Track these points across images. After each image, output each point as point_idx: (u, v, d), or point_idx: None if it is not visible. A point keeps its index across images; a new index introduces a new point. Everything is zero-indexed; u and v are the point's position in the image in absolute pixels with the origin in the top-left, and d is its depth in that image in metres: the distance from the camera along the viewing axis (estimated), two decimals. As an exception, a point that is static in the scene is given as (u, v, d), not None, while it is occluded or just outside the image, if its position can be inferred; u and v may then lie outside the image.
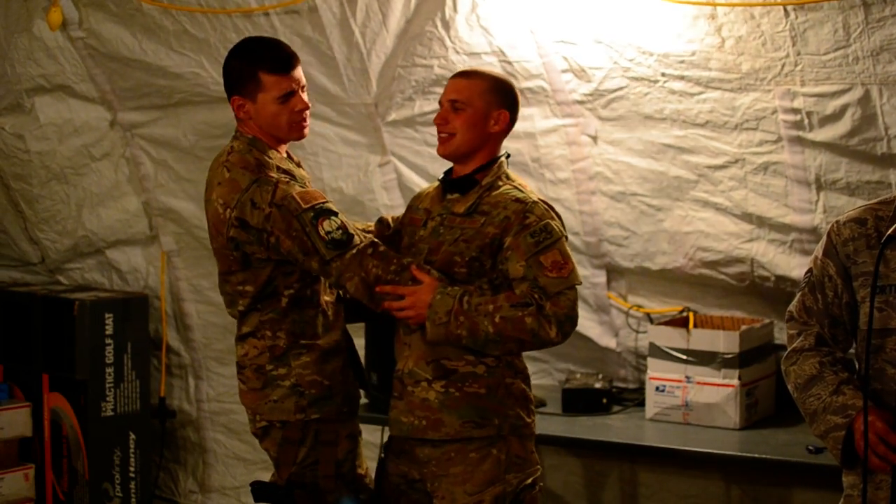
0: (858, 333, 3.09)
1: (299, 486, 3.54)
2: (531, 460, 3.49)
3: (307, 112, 3.58)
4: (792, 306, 3.20)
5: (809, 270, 3.16)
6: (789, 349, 3.17)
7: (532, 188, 3.59)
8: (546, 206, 3.46)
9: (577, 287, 3.40)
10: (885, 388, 2.98)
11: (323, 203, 3.45)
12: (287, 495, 3.52)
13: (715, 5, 4.22)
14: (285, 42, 3.67)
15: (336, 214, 3.44)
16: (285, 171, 3.53)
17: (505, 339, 3.35)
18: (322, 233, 3.41)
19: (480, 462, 3.43)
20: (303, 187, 3.49)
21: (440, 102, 3.54)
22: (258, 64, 3.49)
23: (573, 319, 3.38)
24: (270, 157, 3.54)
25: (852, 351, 3.18)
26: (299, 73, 3.54)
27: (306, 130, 3.61)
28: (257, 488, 3.57)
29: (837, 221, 3.11)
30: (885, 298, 2.97)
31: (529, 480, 3.48)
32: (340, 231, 3.42)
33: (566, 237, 3.46)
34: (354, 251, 3.42)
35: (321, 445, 3.56)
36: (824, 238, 3.13)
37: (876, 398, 2.97)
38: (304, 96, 3.56)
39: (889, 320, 2.96)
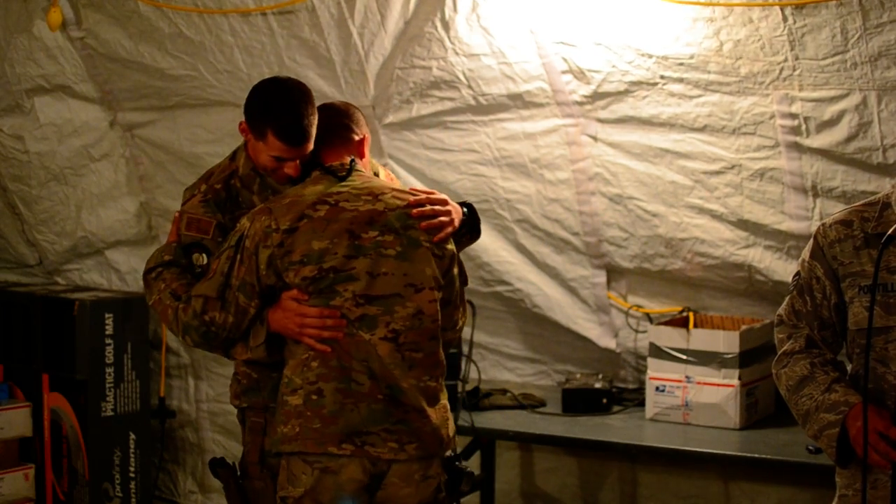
0: (848, 334, 3.10)
1: (225, 465, 3.59)
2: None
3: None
4: (781, 310, 3.21)
5: (797, 273, 3.17)
6: (780, 352, 3.18)
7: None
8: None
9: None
10: (875, 386, 2.99)
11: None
12: (212, 469, 3.62)
13: (713, 5, 4.22)
14: (303, 102, 3.47)
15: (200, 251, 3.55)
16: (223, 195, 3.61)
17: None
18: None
19: None
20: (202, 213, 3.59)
21: None
22: (270, 122, 3.44)
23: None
24: (233, 163, 3.65)
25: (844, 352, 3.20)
26: (309, 144, 3.47)
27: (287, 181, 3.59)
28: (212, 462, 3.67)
29: (823, 224, 3.13)
30: (872, 297, 2.97)
31: None
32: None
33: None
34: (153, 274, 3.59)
35: (250, 432, 3.60)
36: (811, 241, 3.14)
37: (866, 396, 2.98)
38: (298, 165, 3.52)
39: (878, 319, 2.97)
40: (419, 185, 5.00)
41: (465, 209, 3.58)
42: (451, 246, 3.48)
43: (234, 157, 3.66)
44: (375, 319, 3.34)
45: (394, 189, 3.48)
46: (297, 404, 3.36)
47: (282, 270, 3.35)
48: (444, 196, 3.50)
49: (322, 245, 3.33)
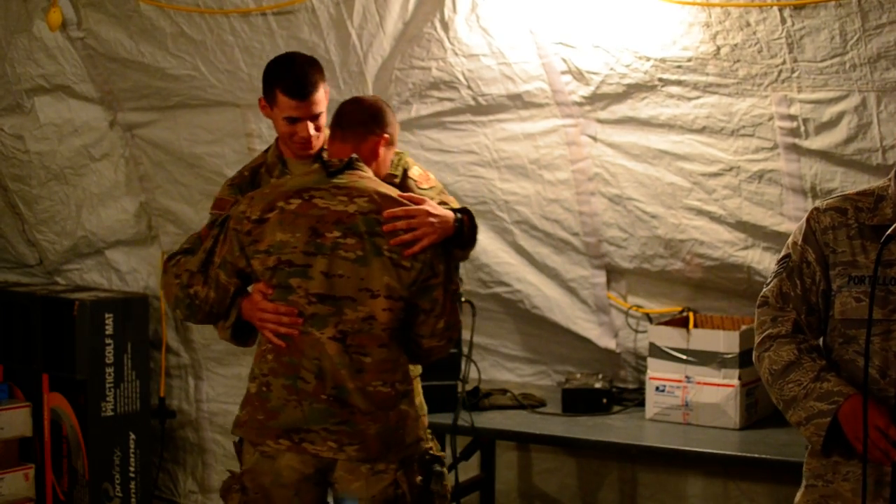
0: (830, 322, 3.08)
1: None
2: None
3: (312, 139, 3.70)
4: (767, 291, 3.17)
5: (787, 256, 3.14)
6: (762, 335, 3.14)
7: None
8: None
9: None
10: (856, 379, 2.98)
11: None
12: None
13: (711, 6, 4.22)
14: (308, 64, 3.71)
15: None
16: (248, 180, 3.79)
17: None
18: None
19: None
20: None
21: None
22: (277, 82, 3.65)
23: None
24: (265, 154, 3.85)
25: None
26: (315, 100, 3.65)
27: (310, 152, 3.74)
28: None
29: (817, 208, 3.11)
30: (864, 289, 2.97)
31: None
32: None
33: None
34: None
35: None
36: (803, 224, 3.12)
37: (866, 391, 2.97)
38: (316, 124, 3.69)
39: (865, 311, 2.94)
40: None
41: (458, 216, 3.55)
42: (424, 256, 3.43)
43: (267, 150, 3.87)
44: (325, 319, 3.38)
45: (378, 192, 3.45)
46: (252, 393, 3.48)
47: (250, 256, 3.44)
48: (427, 208, 3.45)
49: (284, 237, 3.39)
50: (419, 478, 3.52)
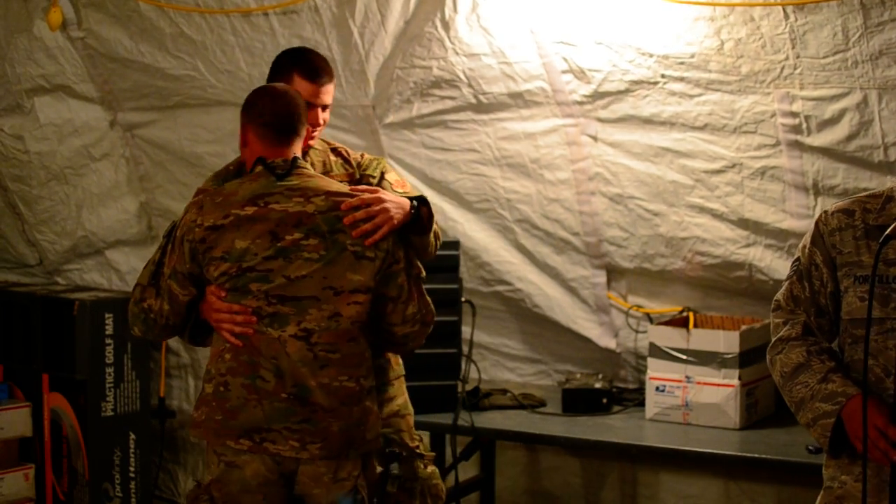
0: (841, 323, 3.10)
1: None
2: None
3: (317, 129, 3.75)
4: (779, 295, 3.21)
5: (797, 259, 3.17)
6: (775, 338, 3.16)
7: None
8: None
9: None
10: (861, 377, 2.97)
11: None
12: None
13: (714, 5, 4.22)
14: (321, 56, 3.83)
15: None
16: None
17: None
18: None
19: None
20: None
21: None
22: (295, 65, 3.72)
23: None
24: None
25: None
26: (328, 89, 3.74)
27: (311, 142, 3.76)
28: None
29: (826, 211, 3.13)
30: (869, 288, 2.97)
31: None
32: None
33: None
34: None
35: None
36: (812, 227, 3.15)
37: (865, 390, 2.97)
38: (324, 116, 3.75)
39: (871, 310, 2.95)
40: (420, 186, 5.02)
41: (414, 203, 3.56)
42: (387, 244, 3.45)
43: None
44: (287, 318, 3.36)
45: (330, 191, 3.45)
46: (208, 393, 3.44)
47: (203, 264, 3.42)
48: (381, 195, 3.47)
49: (244, 244, 3.37)
50: (377, 472, 3.55)
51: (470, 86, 4.83)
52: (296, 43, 4.91)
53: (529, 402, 4.99)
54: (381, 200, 3.45)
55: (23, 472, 5.67)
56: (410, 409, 3.95)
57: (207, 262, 3.40)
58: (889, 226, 2.92)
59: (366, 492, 3.46)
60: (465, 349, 4.93)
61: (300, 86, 3.67)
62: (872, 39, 4.02)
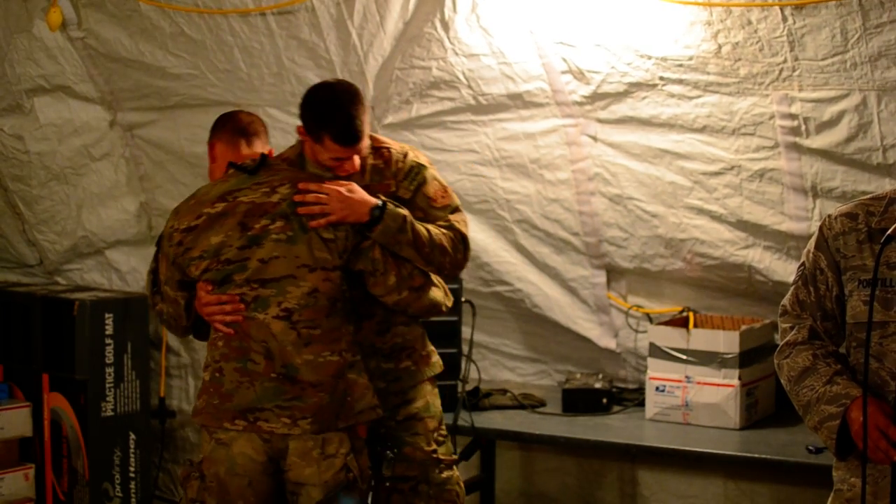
0: (846, 327, 3.10)
1: None
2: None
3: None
4: (786, 300, 3.21)
5: (802, 264, 3.18)
6: (782, 343, 3.17)
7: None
8: None
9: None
10: (871, 382, 2.97)
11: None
12: None
13: (713, 6, 4.22)
14: (353, 103, 3.60)
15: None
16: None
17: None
18: None
19: None
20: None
21: None
22: (326, 128, 3.59)
23: None
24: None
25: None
26: (362, 146, 3.64)
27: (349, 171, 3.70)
28: None
29: (829, 216, 3.14)
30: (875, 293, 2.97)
31: None
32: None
33: None
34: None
35: None
36: (816, 231, 3.15)
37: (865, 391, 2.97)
38: (361, 155, 3.66)
39: (875, 314, 2.95)
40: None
41: (376, 213, 3.58)
42: (345, 228, 3.56)
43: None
44: (268, 300, 3.51)
45: (298, 177, 3.61)
46: (206, 380, 3.62)
47: (184, 267, 3.60)
48: (342, 189, 3.55)
49: (218, 239, 3.55)
50: (368, 462, 3.61)
51: (469, 86, 4.83)
52: (294, 44, 4.91)
53: (529, 402, 5.00)
54: (338, 194, 3.54)
55: (23, 472, 5.68)
56: (434, 412, 3.89)
57: (188, 264, 3.58)
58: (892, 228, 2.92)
59: (358, 472, 3.54)
60: (465, 349, 4.93)
61: (333, 148, 3.60)
62: (871, 41, 4.02)
